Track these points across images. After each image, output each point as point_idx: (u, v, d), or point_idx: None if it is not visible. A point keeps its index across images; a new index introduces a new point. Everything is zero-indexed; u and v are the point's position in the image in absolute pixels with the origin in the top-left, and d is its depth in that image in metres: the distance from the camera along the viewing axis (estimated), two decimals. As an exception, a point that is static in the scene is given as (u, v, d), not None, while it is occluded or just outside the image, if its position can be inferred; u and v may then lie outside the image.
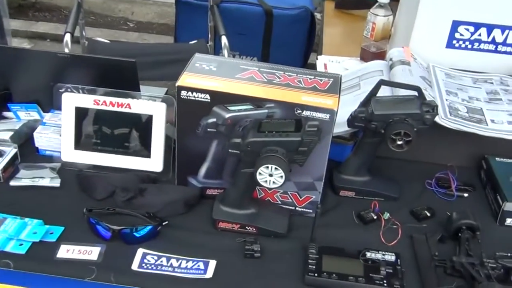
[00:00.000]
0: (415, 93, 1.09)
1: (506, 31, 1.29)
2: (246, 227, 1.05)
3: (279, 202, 1.12)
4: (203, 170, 1.10)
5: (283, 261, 1.00)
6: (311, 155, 0.97)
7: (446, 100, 1.23)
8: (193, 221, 1.07)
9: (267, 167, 0.93)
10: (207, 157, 1.09)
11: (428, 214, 1.12)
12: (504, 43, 1.30)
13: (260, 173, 0.94)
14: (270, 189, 1.08)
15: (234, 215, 1.05)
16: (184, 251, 0.99)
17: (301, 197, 1.10)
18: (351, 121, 1.12)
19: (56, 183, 1.10)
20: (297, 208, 1.12)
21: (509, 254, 1.00)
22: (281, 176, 0.94)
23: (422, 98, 1.08)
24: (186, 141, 1.07)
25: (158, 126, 1.15)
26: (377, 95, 1.10)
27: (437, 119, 1.12)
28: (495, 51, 1.31)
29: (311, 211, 1.11)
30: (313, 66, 1.57)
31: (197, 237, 1.03)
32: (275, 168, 0.93)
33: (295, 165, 0.98)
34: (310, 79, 1.06)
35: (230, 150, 0.98)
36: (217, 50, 2.07)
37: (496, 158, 1.20)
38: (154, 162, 1.16)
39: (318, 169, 1.06)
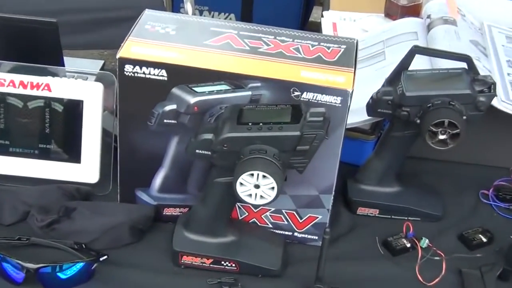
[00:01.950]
0: (464, 65, 1.10)
1: None
2: (223, 263, 1.05)
3: (270, 226, 1.13)
4: (158, 180, 1.11)
5: (277, 312, 1.02)
6: (316, 156, 0.98)
7: (508, 75, 1.25)
8: (144, 255, 1.08)
9: (252, 174, 0.93)
10: (164, 161, 1.09)
11: (484, 240, 1.13)
12: None
13: (241, 184, 0.94)
14: (256, 206, 1.09)
15: (205, 245, 1.05)
16: (132, 299, 1.01)
17: (301, 218, 1.11)
18: (372, 107, 1.12)
19: None
20: (296, 234, 1.12)
21: None
22: (272, 188, 0.94)
23: (474, 73, 1.09)
24: (133, 139, 1.07)
25: (91, 117, 1.15)
26: (410, 68, 1.11)
27: (494, 102, 1.12)
28: None
29: (316, 237, 1.12)
30: (317, 27, 1.57)
31: (150, 278, 1.04)
32: (264, 177, 0.93)
33: (292, 172, 0.99)
34: (313, 46, 1.07)
35: (197, 151, 0.98)
36: (176, 6, 2.06)
37: None
38: (87, 170, 1.16)
39: (325, 177, 1.06)
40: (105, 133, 1.16)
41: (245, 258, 1.05)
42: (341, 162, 1.06)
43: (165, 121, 1.04)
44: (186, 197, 1.12)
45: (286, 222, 1.12)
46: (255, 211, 1.11)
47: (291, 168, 0.97)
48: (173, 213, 1.13)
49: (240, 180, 0.93)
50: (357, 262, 1.09)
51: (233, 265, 1.05)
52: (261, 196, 0.95)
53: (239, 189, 0.94)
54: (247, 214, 1.12)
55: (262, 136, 0.95)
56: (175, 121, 1.04)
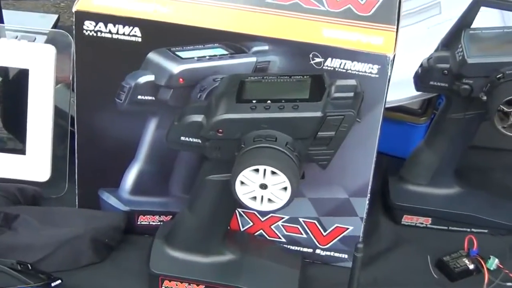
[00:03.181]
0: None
1: None
2: (217, 290, 1.07)
3: (283, 240, 1.13)
4: (130, 177, 1.12)
5: None
6: (344, 146, 0.97)
7: None
8: (111, 279, 1.08)
9: (257, 170, 0.93)
10: (138, 152, 1.10)
11: None
12: None
13: (242, 183, 0.94)
14: (263, 213, 1.10)
15: (194, 266, 1.06)
16: None
17: (326, 230, 1.12)
18: (422, 79, 1.13)
19: None
20: (318, 252, 1.13)
21: None
22: (284, 188, 0.93)
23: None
24: (95, 121, 1.08)
25: (40, 92, 1.16)
26: (473, 26, 1.11)
27: None
28: None
29: (345, 256, 1.13)
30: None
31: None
32: (273, 173, 0.93)
33: (312, 167, 0.99)
34: (340, -5, 1.07)
35: (183, 139, 0.99)
36: None
37: None
38: (34, 164, 1.17)
39: (358, 174, 1.07)
40: (59, 114, 1.17)
41: (248, 284, 1.06)
42: (379, 154, 1.06)
43: (139, 97, 1.05)
44: (168, 201, 1.13)
45: (304, 235, 1.12)
46: (262, 220, 1.12)
47: (310, 162, 0.98)
48: (151, 223, 1.14)
49: (241, 178, 0.93)
50: (401, 290, 1.10)
51: (232, 293, 1.06)
52: (270, 200, 0.94)
53: (240, 190, 0.94)
54: (251, 224, 1.13)
55: (271, 118, 0.94)
56: (153, 98, 1.05)
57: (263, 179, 0.92)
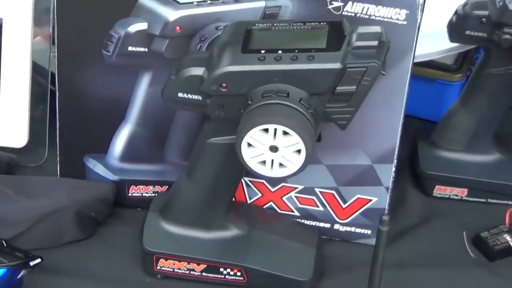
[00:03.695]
0: None
1: None
2: (222, 270, 1.06)
3: (296, 214, 1.14)
4: (120, 142, 1.12)
5: None
6: (367, 104, 0.97)
7: None
8: (99, 258, 1.09)
9: (266, 130, 0.92)
10: (129, 112, 1.10)
11: None
12: None
13: (250, 145, 0.94)
14: (274, 181, 1.10)
15: (194, 242, 1.07)
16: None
17: (345, 202, 1.12)
18: (457, 28, 1.13)
19: None
20: (336, 227, 1.14)
21: None
22: (298, 151, 0.93)
23: None
24: (79, 78, 1.08)
25: (14, 45, 1.16)
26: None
27: None
28: None
29: (368, 232, 1.13)
30: None
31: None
32: (285, 133, 0.92)
33: (330, 128, 0.99)
34: None
35: (181, 95, 0.98)
36: None
37: None
38: (9, 127, 1.18)
39: (382, 138, 1.07)
40: (37, 71, 1.17)
41: (256, 263, 1.06)
42: (408, 117, 1.06)
43: (129, 49, 1.05)
44: (164, 169, 1.13)
45: (321, 208, 1.12)
46: (272, 190, 1.12)
47: (328, 121, 0.97)
48: (144, 194, 1.15)
49: (247, 139, 0.92)
50: (433, 270, 1.10)
51: (238, 273, 1.06)
52: (281, 164, 0.94)
53: (247, 154, 0.94)
54: (259, 195, 1.13)
55: (282, 70, 0.94)
56: (146, 49, 1.05)
57: (273, 140, 0.92)
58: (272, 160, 0.93)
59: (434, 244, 1.14)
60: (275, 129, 0.91)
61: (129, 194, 1.15)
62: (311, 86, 0.94)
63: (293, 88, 0.94)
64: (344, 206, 1.12)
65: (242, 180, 1.10)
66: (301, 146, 0.92)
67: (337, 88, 0.94)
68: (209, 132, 1.00)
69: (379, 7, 0.99)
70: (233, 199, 1.09)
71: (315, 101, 0.95)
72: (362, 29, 0.94)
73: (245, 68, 0.94)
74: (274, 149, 0.92)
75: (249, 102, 0.94)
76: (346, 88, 0.94)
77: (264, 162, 0.94)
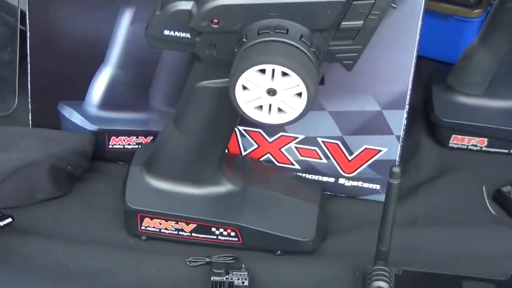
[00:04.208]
0: None
1: None
2: (214, 230, 1.06)
3: (296, 167, 1.12)
4: (99, 87, 1.10)
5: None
6: (375, 43, 0.96)
7: None
8: (76, 217, 1.08)
9: (263, 70, 0.92)
10: (108, 54, 1.08)
11: None
12: None
13: (245, 88, 0.93)
14: (271, 129, 1.07)
15: (182, 199, 1.06)
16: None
17: (352, 153, 1.11)
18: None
19: None
20: (341, 181, 1.12)
21: None
22: (299, 94, 0.93)
23: None
24: (53, 16, 1.06)
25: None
26: None
27: None
28: None
29: (377, 187, 1.12)
30: None
31: (87, 258, 1.04)
32: (284, 74, 0.91)
33: (334, 70, 0.98)
34: None
35: (167, 33, 0.97)
36: None
37: None
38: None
39: (393, 81, 1.05)
40: (5, 8, 1.16)
41: (252, 222, 1.06)
42: (421, 58, 1.05)
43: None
44: (148, 117, 1.11)
45: (325, 161, 1.11)
46: (269, 140, 1.11)
47: (332, 61, 0.96)
48: (126, 146, 1.13)
49: (242, 81, 0.92)
50: (449, 228, 1.09)
51: (232, 233, 1.06)
52: (280, 109, 0.93)
53: (242, 98, 0.93)
54: (256, 146, 1.12)
55: (281, 3, 0.93)
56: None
57: (271, 82, 0.91)
58: (270, 105, 0.93)
59: (451, 200, 1.13)
60: (273, 70, 0.90)
61: (110, 146, 1.13)
62: (313, 21, 0.93)
63: (293, 23, 0.92)
64: (350, 158, 1.11)
65: (236, 129, 1.08)
66: (302, 88, 0.90)
67: (342, 23, 0.93)
68: (199, 74, 0.99)
69: None
70: (226, 151, 1.06)
71: (318, 38, 0.93)
72: None
73: (239, 1, 0.93)
74: (272, 92, 0.91)
75: (244, 39, 0.93)
76: (352, 23, 0.93)
77: (260, 107, 0.93)
